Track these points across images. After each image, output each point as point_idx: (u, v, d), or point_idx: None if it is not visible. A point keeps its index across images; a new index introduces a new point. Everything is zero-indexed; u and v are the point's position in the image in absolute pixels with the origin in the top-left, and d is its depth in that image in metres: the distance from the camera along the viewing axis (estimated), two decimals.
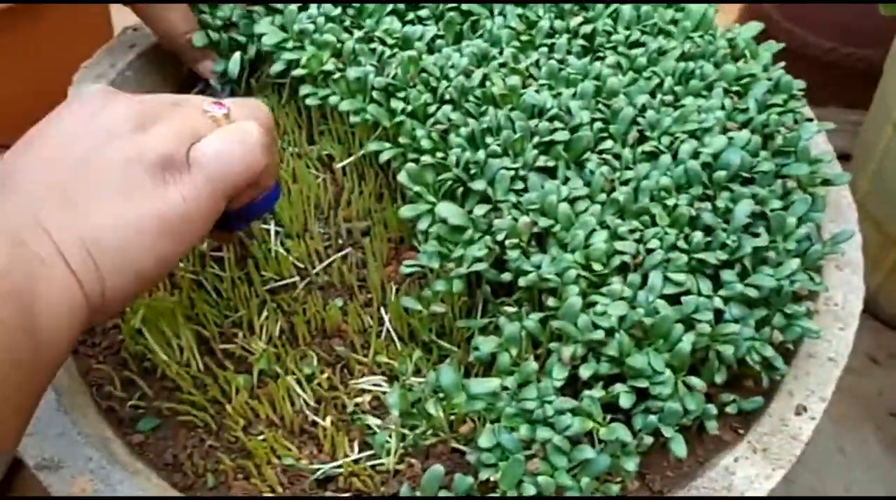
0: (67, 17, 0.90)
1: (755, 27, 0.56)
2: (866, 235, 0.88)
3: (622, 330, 0.40)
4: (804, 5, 1.04)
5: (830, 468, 0.83)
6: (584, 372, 0.40)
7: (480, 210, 0.46)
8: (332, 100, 0.54)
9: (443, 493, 0.39)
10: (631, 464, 0.38)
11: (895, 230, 0.83)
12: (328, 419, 0.45)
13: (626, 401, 0.39)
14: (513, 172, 0.47)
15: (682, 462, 0.42)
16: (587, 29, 0.55)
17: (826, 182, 0.49)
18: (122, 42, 0.62)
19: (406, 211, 0.47)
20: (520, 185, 0.47)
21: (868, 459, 0.83)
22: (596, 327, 0.40)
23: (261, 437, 0.44)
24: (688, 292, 0.42)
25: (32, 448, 0.42)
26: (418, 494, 0.39)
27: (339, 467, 0.43)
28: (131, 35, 0.62)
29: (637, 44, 0.54)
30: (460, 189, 0.48)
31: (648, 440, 0.40)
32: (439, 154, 0.49)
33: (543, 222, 0.44)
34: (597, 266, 0.42)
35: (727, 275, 0.43)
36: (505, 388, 0.41)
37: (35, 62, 0.87)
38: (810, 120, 0.52)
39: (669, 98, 0.51)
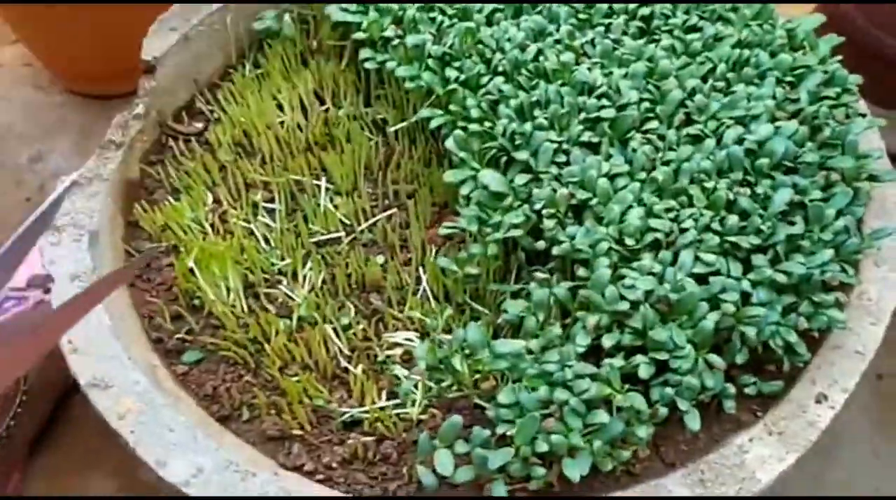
0: None
1: (816, 19, 0.56)
2: None
3: (648, 303, 0.41)
4: (885, 7, 1.01)
5: (863, 468, 0.82)
6: (607, 341, 0.41)
7: (522, 179, 0.47)
8: (390, 65, 0.56)
9: (460, 444, 0.41)
10: (643, 431, 0.39)
11: None
12: (360, 367, 0.47)
13: (645, 372, 0.40)
14: (556, 145, 0.48)
15: (698, 438, 0.43)
16: (645, 11, 0.56)
17: (872, 178, 0.49)
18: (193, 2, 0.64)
19: (450, 176, 0.49)
20: (562, 158, 0.48)
21: None
22: (622, 298, 0.41)
23: (295, 378, 0.47)
24: (717, 273, 0.43)
25: (85, 368, 0.45)
26: (436, 443, 0.41)
27: (366, 412, 0.45)
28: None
29: (694, 28, 0.55)
30: (504, 158, 0.49)
31: (664, 411, 0.41)
32: (487, 123, 0.50)
33: (581, 195, 0.45)
34: (629, 241, 0.43)
35: (758, 260, 0.43)
36: (529, 351, 0.42)
37: (110, 21, 0.90)
38: (863, 115, 0.51)
39: (721, 84, 0.51)
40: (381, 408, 0.45)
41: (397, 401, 0.46)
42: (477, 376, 0.44)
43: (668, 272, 0.42)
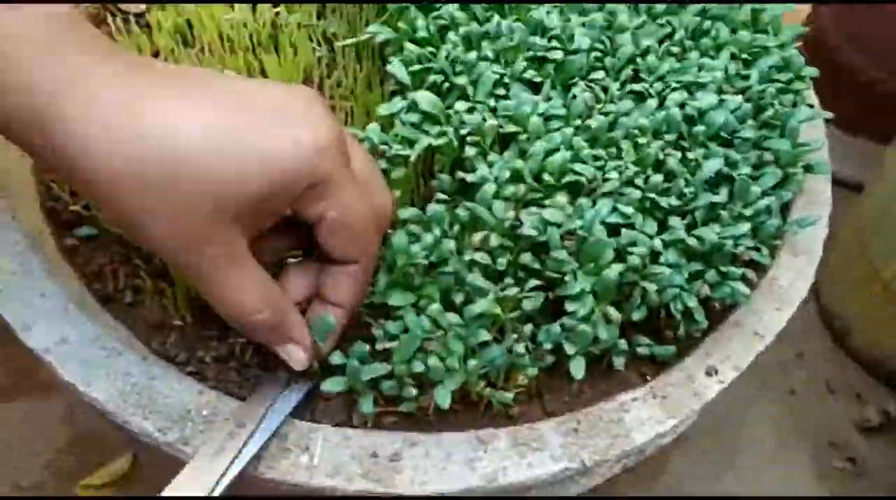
0: None
1: (785, 6, 0.55)
2: (855, 264, 0.87)
3: (554, 230, 0.40)
4: (866, 29, 1.01)
5: (761, 478, 0.83)
6: (501, 260, 0.39)
7: (460, 106, 0.46)
8: None
9: (336, 355, 0.39)
10: (527, 364, 0.38)
11: (882, 266, 0.82)
12: None
13: (532, 303, 0.39)
14: (498, 77, 0.46)
15: (583, 392, 0.42)
16: None
17: (808, 168, 0.48)
18: None
19: (384, 108, 0.47)
20: (502, 91, 0.47)
21: (797, 487, 0.83)
22: (523, 226, 0.40)
23: None
24: (631, 227, 0.41)
25: None
26: None
27: None
28: None
29: None
30: (445, 85, 0.48)
31: (549, 358, 0.40)
32: (431, 48, 0.48)
33: (511, 128, 0.44)
34: (547, 177, 0.41)
35: (674, 221, 0.42)
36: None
37: None
38: (811, 106, 0.51)
39: (676, 49, 0.50)
40: None
41: None
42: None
43: (581, 214, 0.41)
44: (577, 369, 0.40)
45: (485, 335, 0.37)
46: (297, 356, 0.39)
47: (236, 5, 0.58)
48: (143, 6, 0.59)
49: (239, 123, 0.33)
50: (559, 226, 0.40)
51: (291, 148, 0.33)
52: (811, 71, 0.52)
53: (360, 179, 0.37)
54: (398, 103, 0.46)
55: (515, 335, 0.39)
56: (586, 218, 0.40)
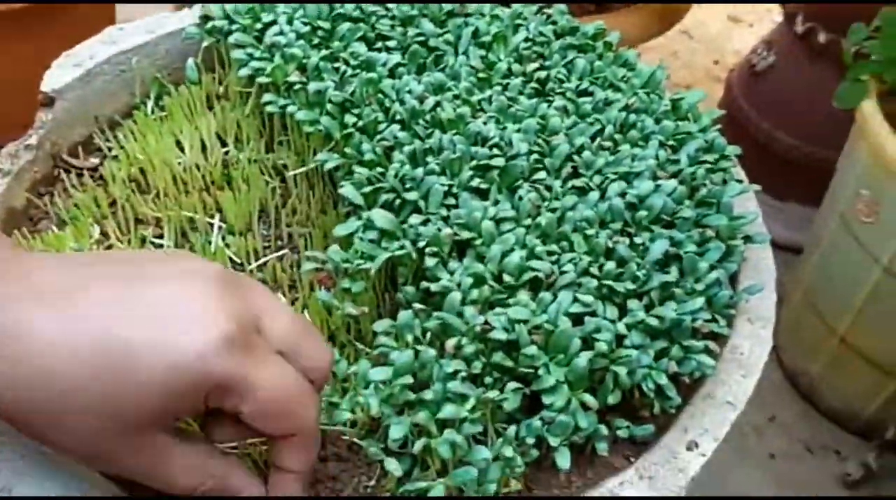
0: (80, 19, 0.94)
1: (699, 94, 0.59)
2: (809, 323, 0.90)
3: (522, 328, 0.41)
4: (776, 102, 1.08)
5: None
6: (476, 364, 0.40)
7: (414, 220, 0.48)
8: (290, 109, 0.56)
9: None
10: (515, 463, 0.39)
11: (834, 321, 0.85)
12: None
13: (511, 403, 0.40)
14: (446, 188, 0.49)
15: (571, 482, 0.43)
16: (542, 75, 0.58)
17: (747, 239, 0.51)
18: (105, 38, 0.65)
19: (340, 229, 0.49)
20: (452, 201, 0.49)
21: None
22: (491, 328, 0.41)
23: None
24: (593, 315, 0.43)
25: None
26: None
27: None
28: (115, 34, 0.65)
29: (586, 93, 0.57)
30: (397, 201, 0.50)
31: (534, 452, 0.41)
32: (379, 169, 0.51)
33: (465, 235, 0.46)
34: (508, 278, 0.43)
35: (633, 304, 0.44)
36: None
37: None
38: (740, 181, 0.54)
39: (608, 143, 0.53)
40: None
41: None
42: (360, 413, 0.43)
43: (545, 308, 0.42)
44: (563, 459, 0.40)
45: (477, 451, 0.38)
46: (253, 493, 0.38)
47: (186, 148, 0.60)
48: (95, 160, 0.60)
49: (124, 336, 0.32)
50: (526, 322, 0.41)
51: (183, 358, 0.32)
52: (734, 149, 0.56)
53: (285, 349, 0.37)
54: (354, 223, 0.48)
55: (501, 439, 0.39)
56: (550, 312, 0.42)
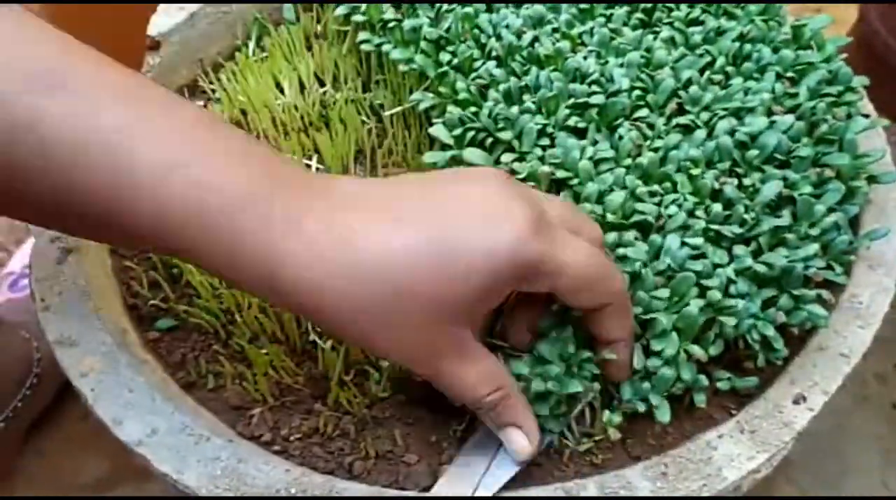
0: None
1: (825, 19, 0.54)
2: None
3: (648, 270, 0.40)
4: None
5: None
6: None
7: (507, 158, 0.47)
8: (386, 48, 0.55)
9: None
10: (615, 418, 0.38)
11: None
12: (329, 342, 0.46)
13: (639, 362, 0.39)
14: (541, 127, 0.47)
15: (667, 433, 0.42)
16: (648, 4, 0.55)
17: (872, 179, 0.47)
18: None
19: (429, 156, 0.48)
20: (547, 142, 0.47)
21: None
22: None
23: (263, 350, 0.46)
24: (703, 257, 0.41)
25: (53, 325, 0.45)
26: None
27: (329, 388, 0.44)
28: None
29: (696, 22, 0.54)
30: (490, 140, 0.48)
31: (641, 406, 0.40)
32: (473, 108, 0.49)
33: (561, 174, 0.44)
34: (612, 217, 0.42)
35: (740, 250, 0.42)
36: None
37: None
38: (866, 116, 0.50)
39: (718, 77, 0.50)
40: (344, 384, 0.44)
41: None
42: None
43: (656, 252, 0.41)
44: (663, 414, 0.39)
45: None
46: (519, 445, 0.39)
47: (286, 89, 0.60)
48: (200, 103, 0.62)
49: (445, 234, 0.34)
50: (645, 265, 0.40)
51: (501, 246, 0.34)
52: (861, 80, 0.51)
53: (568, 228, 0.38)
54: (444, 154, 0.47)
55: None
56: (673, 255, 0.40)
